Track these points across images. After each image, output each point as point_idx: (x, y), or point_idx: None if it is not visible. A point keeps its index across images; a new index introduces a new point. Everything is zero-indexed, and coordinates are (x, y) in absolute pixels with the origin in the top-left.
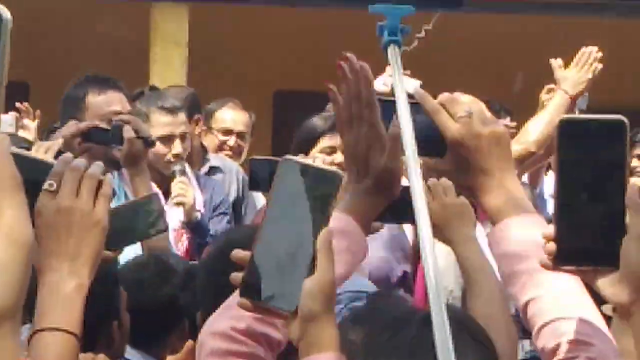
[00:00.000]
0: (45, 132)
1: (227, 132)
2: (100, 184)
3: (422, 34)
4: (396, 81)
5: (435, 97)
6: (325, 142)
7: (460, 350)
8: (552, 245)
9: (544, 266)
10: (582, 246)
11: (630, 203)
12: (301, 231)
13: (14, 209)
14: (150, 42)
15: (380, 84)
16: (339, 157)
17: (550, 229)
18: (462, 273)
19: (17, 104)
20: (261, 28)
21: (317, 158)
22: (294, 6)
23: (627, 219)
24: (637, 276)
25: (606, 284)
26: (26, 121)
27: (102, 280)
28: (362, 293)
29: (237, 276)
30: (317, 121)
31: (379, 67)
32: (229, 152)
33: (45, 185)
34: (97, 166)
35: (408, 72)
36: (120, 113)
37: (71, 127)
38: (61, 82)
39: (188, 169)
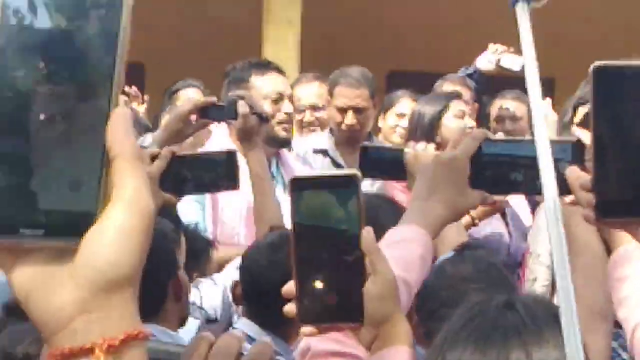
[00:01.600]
0: (167, 95)
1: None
2: None
3: None
4: (525, 42)
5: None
6: (455, 106)
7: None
8: (590, 197)
9: (587, 219)
10: (623, 197)
11: None
12: (336, 242)
13: (136, 179)
14: (263, 22)
15: (485, 62)
16: (469, 122)
17: (588, 179)
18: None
19: (126, 88)
20: (374, 8)
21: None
22: None
23: None
24: None
25: None
26: (134, 105)
27: (162, 235)
28: None
29: (291, 308)
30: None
31: (482, 44)
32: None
33: None
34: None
35: (512, 49)
36: (281, 93)
37: (188, 103)
38: (175, 63)
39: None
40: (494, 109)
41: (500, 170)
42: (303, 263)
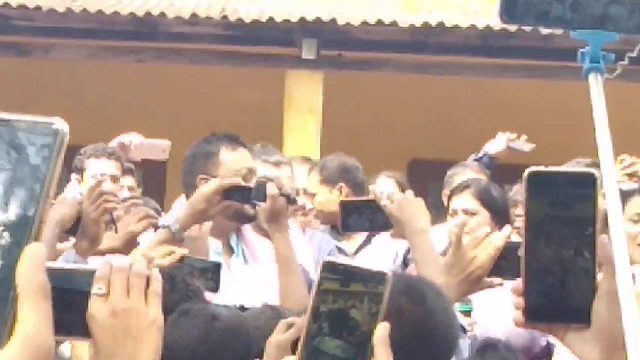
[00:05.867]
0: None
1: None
2: (148, 281)
3: (626, 61)
4: (598, 110)
5: None
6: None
7: None
8: (520, 301)
9: (517, 323)
10: (552, 303)
11: (603, 259)
12: (352, 337)
13: (37, 316)
14: (284, 109)
15: (495, 145)
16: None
17: (519, 283)
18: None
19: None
20: (396, 96)
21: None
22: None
23: (598, 276)
24: (607, 335)
25: (576, 342)
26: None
27: None
28: None
29: None
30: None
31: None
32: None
33: (94, 290)
34: (141, 263)
35: (524, 137)
36: (251, 170)
37: (212, 184)
38: None
39: (294, 225)
40: (515, 195)
41: None
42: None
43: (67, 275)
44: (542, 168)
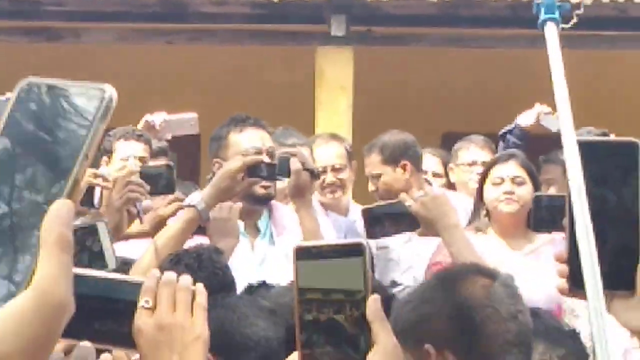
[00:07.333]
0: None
1: (322, 170)
2: (193, 295)
3: (581, 10)
4: (553, 60)
5: None
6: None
7: None
8: (564, 268)
9: (561, 290)
10: None
11: None
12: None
13: (49, 268)
14: (316, 87)
15: (526, 118)
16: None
17: (563, 251)
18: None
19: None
20: (427, 70)
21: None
22: (466, 46)
23: None
24: None
25: (621, 309)
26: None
27: None
28: None
29: None
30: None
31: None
32: (329, 190)
33: (142, 303)
34: (188, 278)
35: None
36: (259, 149)
37: (236, 161)
38: None
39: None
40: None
41: None
42: (307, 328)
43: (115, 285)
44: (583, 138)
